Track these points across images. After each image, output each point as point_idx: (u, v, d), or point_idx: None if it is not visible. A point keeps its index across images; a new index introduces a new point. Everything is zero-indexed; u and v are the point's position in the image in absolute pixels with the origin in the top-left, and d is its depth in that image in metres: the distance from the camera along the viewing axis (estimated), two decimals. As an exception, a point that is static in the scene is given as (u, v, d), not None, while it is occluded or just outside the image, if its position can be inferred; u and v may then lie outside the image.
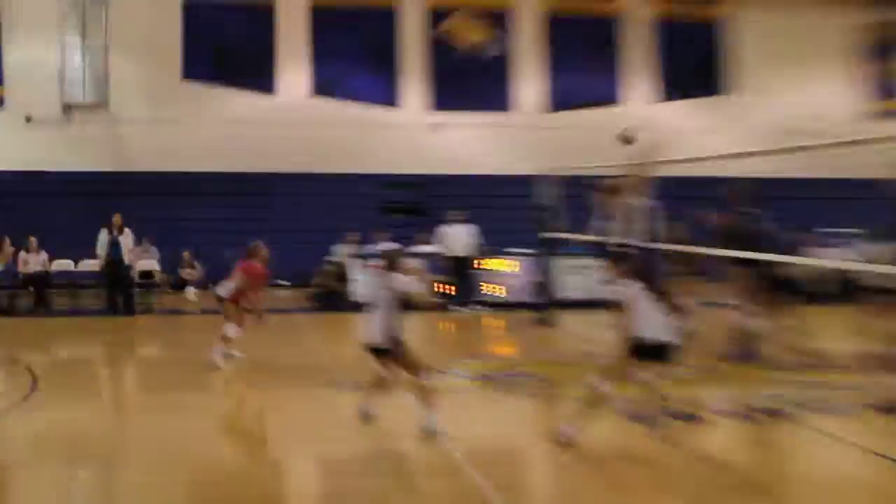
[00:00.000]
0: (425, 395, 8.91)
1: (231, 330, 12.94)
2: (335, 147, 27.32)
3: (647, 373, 8.73)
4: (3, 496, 7.37)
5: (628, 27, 29.79)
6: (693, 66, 30.15)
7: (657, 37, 29.78)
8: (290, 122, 27.33)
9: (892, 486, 7.57)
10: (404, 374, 9.09)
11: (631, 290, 8.39)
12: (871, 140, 9.12)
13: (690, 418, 9.06)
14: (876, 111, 29.90)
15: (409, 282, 9.14)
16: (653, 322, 8.33)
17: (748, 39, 29.92)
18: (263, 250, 13.54)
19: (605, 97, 29.48)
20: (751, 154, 13.53)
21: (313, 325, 18.56)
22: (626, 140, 12.38)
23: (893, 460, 8.12)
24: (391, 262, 9.17)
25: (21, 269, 20.52)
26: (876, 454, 8.34)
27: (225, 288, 13.31)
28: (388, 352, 8.96)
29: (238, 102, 27.88)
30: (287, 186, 26.77)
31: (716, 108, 29.87)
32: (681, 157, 16.25)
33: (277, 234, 25.91)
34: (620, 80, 29.81)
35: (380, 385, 9.31)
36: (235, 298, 13.17)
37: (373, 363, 9.21)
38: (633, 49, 29.82)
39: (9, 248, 20.19)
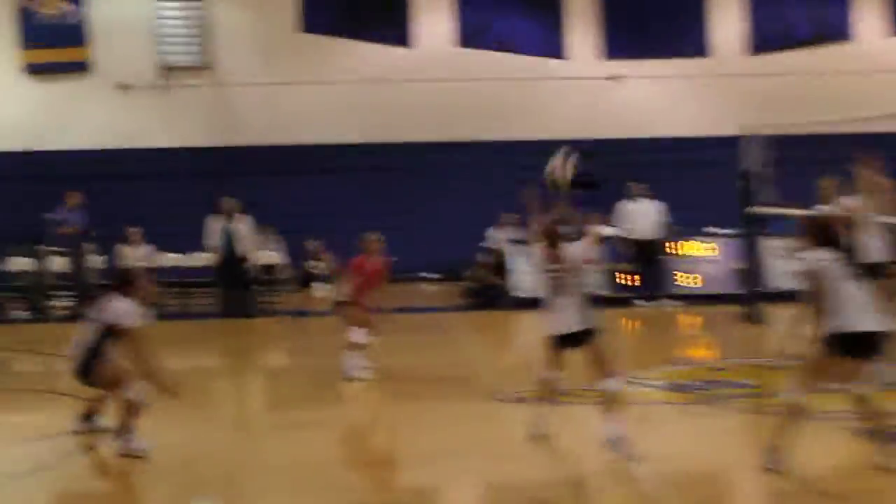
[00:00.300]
0: (613, 403, 9.25)
1: (359, 335, 13.55)
2: (487, 109, 27.57)
3: (856, 373, 8.38)
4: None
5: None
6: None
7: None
8: (430, 81, 27.70)
9: None
10: (594, 372, 9.49)
11: (824, 263, 8.12)
12: None
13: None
14: None
15: (588, 249, 9.58)
16: (856, 306, 8.04)
17: None
18: (373, 242, 14.18)
19: (830, 32, 28.85)
20: None
21: (466, 325, 18.96)
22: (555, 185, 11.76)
23: None
24: (552, 238, 9.72)
25: (121, 265, 21.35)
26: None
27: (341, 291, 13.96)
28: (583, 340, 9.43)
29: (367, 58, 28.33)
30: (429, 159, 27.18)
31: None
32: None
33: (420, 217, 26.74)
34: (850, 7, 29.00)
35: (549, 394, 9.71)
36: (355, 300, 13.75)
37: (541, 368, 9.63)
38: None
39: None
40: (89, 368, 9.57)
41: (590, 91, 28.13)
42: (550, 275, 9.51)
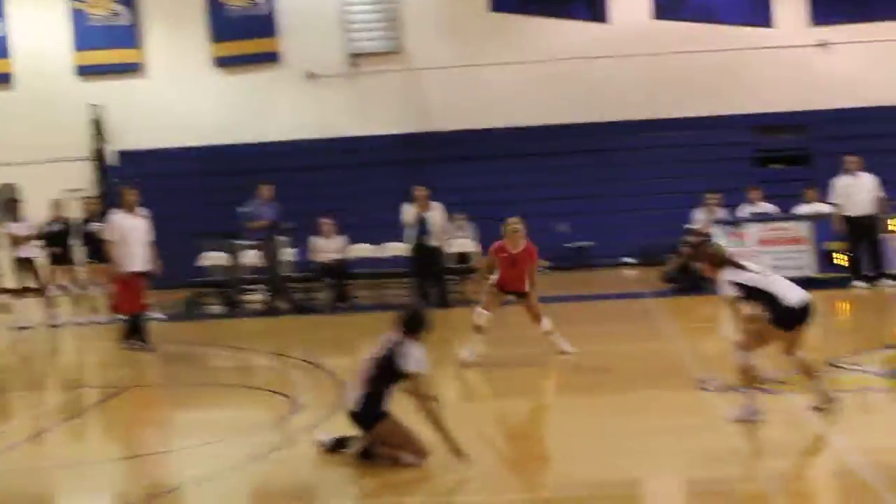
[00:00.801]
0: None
1: (547, 323, 13.88)
2: (687, 85, 27.24)
3: None
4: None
5: None
6: None
7: None
8: (627, 56, 27.47)
9: None
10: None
11: None
12: None
13: None
14: None
15: None
16: None
17: None
18: (511, 226, 14.39)
19: None
20: None
21: (669, 311, 18.77)
22: None
23: None
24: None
25: (314, 257, 21.95)
26: None
27: (488, 278, 14.13)
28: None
29: (559, 36, 28.28)
30: (628, 139, 27.06)
31: None
32: None
33: (619, 200, 26.63)
34: None
35: (754, 381, 9.63)
36: (502, 286, 14.01)
37: (745, 355, 9.57)
38: None
39: None
40: (371, 418, 9.19)
41: (797, 61, 27.48)
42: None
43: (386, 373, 9.09)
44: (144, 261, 16.78)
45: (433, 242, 20.67)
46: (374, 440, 9.09)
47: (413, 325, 9.35)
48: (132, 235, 16.64)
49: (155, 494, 8.79)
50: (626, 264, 25.01)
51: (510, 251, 13.99)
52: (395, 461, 8.94)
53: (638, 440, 9.59)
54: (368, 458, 9.02)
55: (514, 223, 14.43)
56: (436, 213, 20.69)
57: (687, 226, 22.09)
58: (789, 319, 9.65)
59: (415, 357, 9.11)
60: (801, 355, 9.95)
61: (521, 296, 14.32)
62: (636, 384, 12.21)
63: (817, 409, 9.92)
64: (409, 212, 20.76)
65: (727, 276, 9.79)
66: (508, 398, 12.20)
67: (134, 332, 16.75)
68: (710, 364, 12.43)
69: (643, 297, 20.18)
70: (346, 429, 9.19)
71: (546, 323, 14.04)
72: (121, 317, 17.48)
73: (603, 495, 8.15)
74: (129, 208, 16.93)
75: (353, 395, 9.22)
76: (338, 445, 9.39)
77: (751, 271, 9.87)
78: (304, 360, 15.11)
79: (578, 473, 8.66)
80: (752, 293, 9.72)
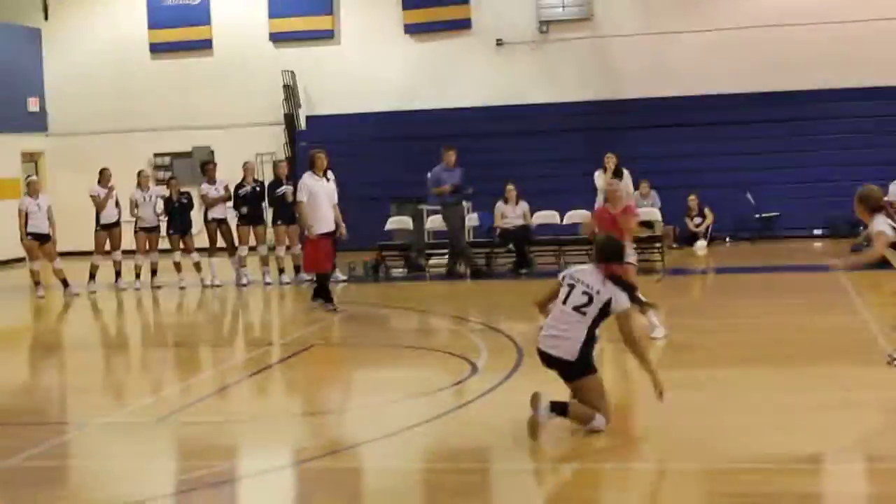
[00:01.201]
0: None
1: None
2: (882, 52, 26.32)
3: None
4: (481, 491, 8.12)
5: None
6: None
7: None
8: (819, 24, 26.69)
9: None
10: None
11: None
12: None
13: None
14: None
15: None
16: None
17: None
18: (610, 187, 14.39)
19: None
20: None
21: (860, 284, 18.25)
22: None
23: None
24: None
25: (498, 222, 22.03)
26: None
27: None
28: None
29: (751, 3, 27.72)
30: (818, 107, 26.41)
31: None
32: None
33: (807, 169, 26.04)
34: None
35: None
36: None
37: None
38: None
39: None
40: (582, 368, 9.00)
41: None
42: None
43: (597, 317, 8.92)
44: (332, 222, 17.03)
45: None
46: (576, 392, 9.00)
47: (611, 254, 9.27)
48: (321, 197, 16.88)
49: (334, 451, 8.91)
50: (815, 236, 24.40)
51: (610, 212, 13.80)
52: (584, 421, 8.85)
53: (817, 414, 9.39)
54: (562, 413, 8.92)
55: (613, 184, 14.40)
56: (621, 181, 20.53)
57: (885, 199, 21.40)
58: None
59: (622, 293, 8.95)
60: None
61: None
62: (820, 358, 11.95)
63: None
64: (600, 178, 20.64)
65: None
66: (682, 369, 11.98)
67: (321, 292, 17.02)
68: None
69: (833, 271, 19.67)
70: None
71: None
72: (309, 277, 17.74)
73: (787, 469, 7.96)
74: (319, 171, 17.16)
75: (563, 343, 8.94)
76: (556, 409, 8.93)
77: None
78: (484, 324, 15.15)
79: (759, 447, 8.48)
80: None
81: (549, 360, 9.03)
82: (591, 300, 8.88)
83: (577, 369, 8.93)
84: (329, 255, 17.15)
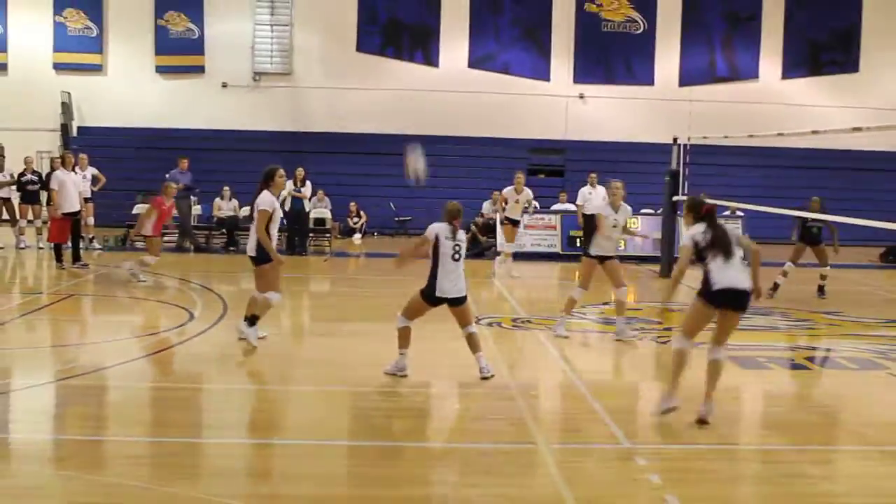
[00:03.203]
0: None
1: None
2: (488, 114, 27.65)
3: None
4: (193, 404, 8.15)
5: (766, 3, 28.77)
6: (825, 43, 28.85)
7: (793, 13, 28.63)
8: (448, 91, 27.74)
9: None
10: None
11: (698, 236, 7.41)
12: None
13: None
14: None
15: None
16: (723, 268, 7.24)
17: (878, 16, 28.64)
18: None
19: (742, 72, 28.71)
20: (879, 129, 13.52)
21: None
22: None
23: None
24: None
25: (215, 213, 21.97)
26: None
27: None
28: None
29: (404, 73, 28.43)
30: (441, 147, 27.18)
31: (844, 84, 28.76)
32: (808, 130, 16.28)
33: (429, 190, 26.79)
34: (756, 55, 28.84)
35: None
36: None
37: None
38: (769, 25, 28.80)
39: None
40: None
41: (562, 105, 28.12)
42: None
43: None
44: (77, 205, 16.64)
45: (304, 209, 20.69)
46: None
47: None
48: (67, 186, 16.43)
49: (84, 373, 8.65)
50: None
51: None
52: (265, 307, 8.95)
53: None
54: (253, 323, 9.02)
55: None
56: (307, 189, 20.68)
57: (481, 211, 22.37)
58: None
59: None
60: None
61: None
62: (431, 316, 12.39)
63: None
64: (289, 187, 20.64)
65: None
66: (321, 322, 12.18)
67: (62, 255, 16.57)
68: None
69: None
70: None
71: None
72: (54, 244, 17.08)
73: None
74: (68, 166, 16.93)
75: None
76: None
77: None
78: (201, 286, 14.96)
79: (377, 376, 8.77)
80: None
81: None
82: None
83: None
84: (69, 229, 16.63)
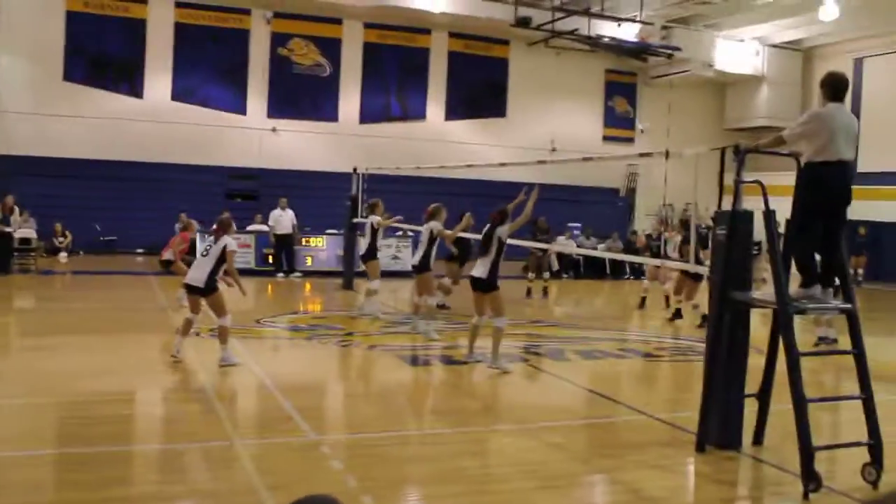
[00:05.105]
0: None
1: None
2: (190, 143, 26.86)
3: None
4: None
5: (433, 57, 30.23)
6: (479, 92, 30.78)
7: (454, 67, 30.30)
8: (153, 121, 26.68)
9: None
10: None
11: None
12: (606, 157, 10.45)
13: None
14: (610, 136, 31.75)
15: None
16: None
17: (520, 74, 31.03)
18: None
19: (412, 113, 29.94)
20: (519, 164, 14.85)
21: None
22: None
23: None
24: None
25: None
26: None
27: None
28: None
29: (110, 102, 26.95)
30: (148, 173, 26.20)
31: (494, 126, 30.79)
32: (466, 163, 17.64)
33: (136, 212, 25.83)
34: (424, 100, 30.19)
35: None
36: None
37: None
38: (435, 75, 30.30)
39: None
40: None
41: (257, 137, 27.96)
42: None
43: None
44: None
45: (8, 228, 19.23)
46: None
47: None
48: None
49: None
50: (138, 253, 24.47)
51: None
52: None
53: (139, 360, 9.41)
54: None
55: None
56: (13, 209, 19.17)
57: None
58: None
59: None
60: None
61: None
62: (124, 330, 11.92)
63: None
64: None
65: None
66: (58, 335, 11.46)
67: None
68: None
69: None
70: None
71: None
72: None
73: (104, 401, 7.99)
74: None
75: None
76: None
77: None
78: None
79: (97, 385, 8.42)
80: None
81: None
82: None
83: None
84: None
